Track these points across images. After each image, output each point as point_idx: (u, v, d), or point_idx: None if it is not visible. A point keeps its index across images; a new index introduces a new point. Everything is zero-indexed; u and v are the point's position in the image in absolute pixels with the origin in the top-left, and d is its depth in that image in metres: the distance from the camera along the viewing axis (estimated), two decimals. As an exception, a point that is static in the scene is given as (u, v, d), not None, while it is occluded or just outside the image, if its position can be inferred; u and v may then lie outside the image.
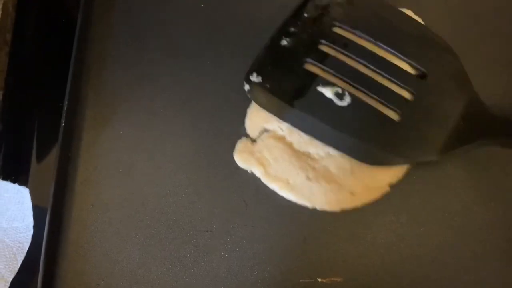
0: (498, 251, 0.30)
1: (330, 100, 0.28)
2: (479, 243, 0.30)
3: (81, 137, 0.33)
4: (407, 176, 0.31)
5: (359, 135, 0.28)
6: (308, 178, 0.30)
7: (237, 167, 0.32)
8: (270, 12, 0.33)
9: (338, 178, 0.30)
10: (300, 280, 0.30)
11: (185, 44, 0.34)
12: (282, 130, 0.31)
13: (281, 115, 0.30)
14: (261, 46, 0.30)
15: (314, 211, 0.31)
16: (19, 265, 0.32)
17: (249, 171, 0.31)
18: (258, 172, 0.31)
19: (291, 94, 0.28)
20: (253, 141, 0.32)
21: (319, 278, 0.30)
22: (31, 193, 0.32)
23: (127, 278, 0.30)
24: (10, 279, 0.31)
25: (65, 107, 0.32)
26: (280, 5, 0.32)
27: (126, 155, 0.32)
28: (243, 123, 0.32)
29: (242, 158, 0.31)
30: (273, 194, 0.31)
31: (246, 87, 0.29)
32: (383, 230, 0.30)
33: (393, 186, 0.31)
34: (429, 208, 0.31)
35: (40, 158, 0.33)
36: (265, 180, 0.31)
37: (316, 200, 0.30)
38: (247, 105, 0.33)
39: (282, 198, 0.31)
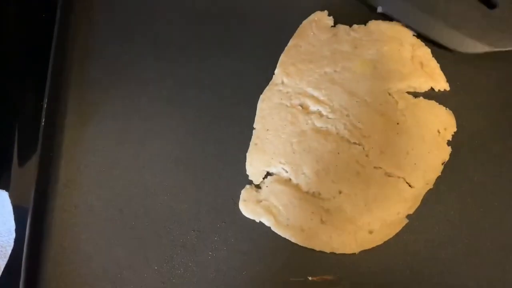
0: (494, 247, 0.29)
1: None
2: (474, 238, 0.29)
3: (63, 136, 0.32)
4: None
5: (452, 22, 0.28)
6: (322, 221, 0.28)
7: (226, 165, 0.31)
8: (258, 4, 0.33)
9: (354, 217, 0.28)
10: (290, 279, 0.29)
11: (169, 39, 0.33)
12: (286, 171, 0.29)
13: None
14: (247, 37, 0.30)
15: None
16: (1, 269, 0.31)
17: (257, 221, 0.29)
18: (268, 222, 0.29)
19: None
20: (257, 187, 0.30)
21: (309, 276, 0.29)
22: (12, 195, 0.31)
23: (112, 281, 0.30)
24: (-7, 283, 0.30)
25: (45, 105, 0.31)
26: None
27: (110, 154, 0.32)
28: (233, 118, 0.31)
29: (249, 209, 0.29)
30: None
31: None
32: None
33: (411, 217, 0.29)
34: (421, 203, 0.30)
35: (21, 159, 0.32)
36: (276, 230, 0.29)
37: (334, 245, 0.28)
38: (236, 95, 0.32)
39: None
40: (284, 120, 0.30)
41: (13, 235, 0.31)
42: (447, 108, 0.30)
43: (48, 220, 0.31)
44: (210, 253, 0.30)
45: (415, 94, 0.30)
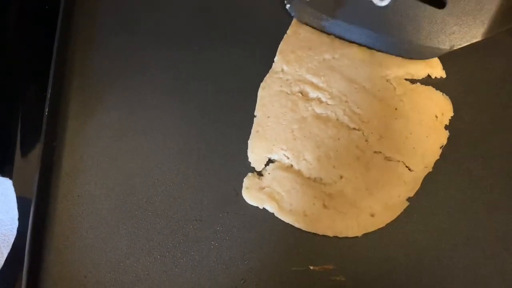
0: (494, 237, 0.29)
1: (370, 3, 0.28)
2: (473, 228, 0.29)
3: (66, 126, 0.32)
4: (428, 194, 0.30)
5: (402, 33, 0.28)
6: (324, 206, 0.29)
7: (227, 154, 0.31)
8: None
9: (355, 200, 0.29)
10: (292, 268, 0.29)
11: (173, 30, 0.33)
12: (287, 158, 0.30)
13: (324, 28, 0.30)
14: (248, 27, 0.30)
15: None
16: (4, 258, 0.31)
17: (260, 207, 0.30)
18: (271, 208, 0.29)
19: (331, 5, 0.29)
20: (260, 174, 0.30)
21: (311, 266, 0.29)
22: (15, 184, 0.31)
23: (114, 269, 0.30)
24: (-4, 272, 0.30)
25: (49, 95, 0.31)
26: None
27: (113, 144, 0.32)
28: (235, 107, 0.31)
29: (252, 196, 0.30)
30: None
31: (288, 6, 0.30)
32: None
33: (412, 199, 0.29)
34: (422, 193, 0.30)
35: (24, 148, 0.32)
36: (280, 216, 0.29)
37: (336, 229, 0.29)
38: (237, 85, 0.32)
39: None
40: (285, 107, 0.30)
41: (16, 224, 0.31)
42: (443, 94, 0.31)
43: (51, 209, 0.31)
44: (212, 242, 0.30)
45: (413, 81, 0.31)
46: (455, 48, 0.29)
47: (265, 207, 0.30)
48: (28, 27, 0.35)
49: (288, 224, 0.30)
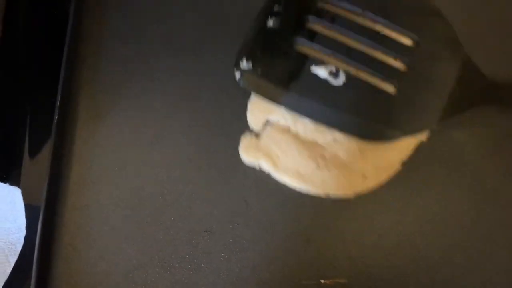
0: (508, 251, 0.29)
1: (325, 80, 0.28)
2: (488, 243, 0.29)
3: (75, 134, 0.32)
4: (414, 171, 0.30)
5: (357, 112, 0.28)
6: (318, 166, 0.30)
7: (238, 165, 0.31)
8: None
9: (348, 162, 0.30)
10: (303, 282, 0.29)
11: (182, 39, 0.33)
12: (285, 120, 0.30)
13: (276, 100, 0.29)
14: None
15: (316, 211, 0.30)
16: (11, 267, 0.31)
17: (256, 167, 0.30)
18: (267, 166, 0.30)
19: (284, 78, 0.28)
20: (257, 135, 0.31)
21: (322, 279, 0.29)
22: (23, 192, 0.31)
23: (123, 280, 0.29)
24: (3, 281, 0.30)
25: (58, 103, 0.31)
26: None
27: (122, 152, 0.31)
28: (244, 117, 0.31)
29: (249, 154, 0.30)
30: (275, 193, 0.30)
31: (237, 75, 0.28)
32: (388, 230, 0.30)
33: (404, 163, 0.30)
34: (435, 207, 0.30)
35: (32, 156, 0.32)
36: (274, 173, 0.30)
37: (328, 187, 0.30)
38: (247, 98, 0.31)
39: (284, 198, 0.30)
40: None
41: (24, 232, 0.31)
42: None
43: (59, 219, 0.30)
44: (222, 254, 0.30)
45: None
46: (409, 135, 0.28)
47: (261, 165, 0.30)
48: (37, 34, 0.35)
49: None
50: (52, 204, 0.30)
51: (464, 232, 0.29)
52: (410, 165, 0.30)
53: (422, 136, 0.30)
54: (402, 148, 0.30)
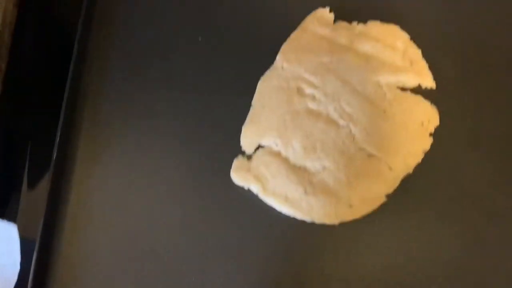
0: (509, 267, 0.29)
1: None
2: (489, 260, 0.30)
3: (73, 171, 0.32)
4: (399, 203, 0.31)
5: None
6: (306, 192, 0.30)
7: (234, 209, 0.31)
8: (268, 45, 0.33)
9: (336, 190, 0.30)
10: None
11: (181, 78, 0.33)
12: (277, 145, 0.31)
13: None
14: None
15: (309, 240, 0.31)
16: (6, 302, 0.30)
17: (246, 188, 0.31)
18: (255, 189, 0.31)
19: None
20: (249, 158, 0.32)
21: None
22: (19, 227, 0.31)
23: (117, 319, 0.29)
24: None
25: (58, 139, 0.31)
26: (277, 40, 0.33)
27: (119, 190, 0.31)
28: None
29: (239, 176, 0.31)
30: (269, 228, 0.31)
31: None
32: (384, 250, 0.30)
33: (389, 196, 0.31)
34: (420, 239, 0.30)
35: (30, 191, 0.32)
36: (263, 196, 0.31)
37: (314, 214, 0.30)
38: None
39: (278, 234, 0.31)
40: (280, 100, 0.32)
41: (18, 268, 0.31)
42: (432, 104, 0.32)
43: (54, 255, 0.30)
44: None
45: (403, 89, 0.32)
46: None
47: (250, 187, 0.31)
48: (40, 71, 0.35)
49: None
50: (47, 241, 0.30)
51: (447, 265, 0.30)
52: (395, 197, 0.31)
53: (409, 169, 0.31)
54: (389, 181, 0.31)
